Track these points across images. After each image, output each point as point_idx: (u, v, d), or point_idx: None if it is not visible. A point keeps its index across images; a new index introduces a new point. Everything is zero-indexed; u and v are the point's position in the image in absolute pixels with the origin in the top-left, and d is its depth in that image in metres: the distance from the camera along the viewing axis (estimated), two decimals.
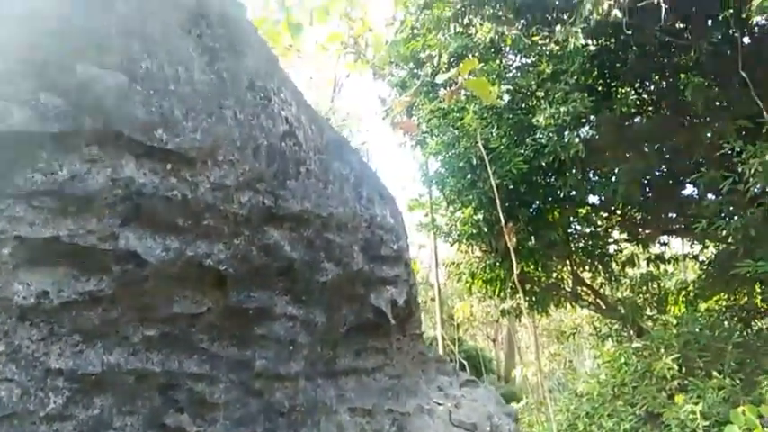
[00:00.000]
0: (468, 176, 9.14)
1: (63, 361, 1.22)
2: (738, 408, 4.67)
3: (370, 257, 2.18)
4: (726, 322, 8.25)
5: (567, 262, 10.40)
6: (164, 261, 1.35)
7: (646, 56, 8.75)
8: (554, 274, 10.38)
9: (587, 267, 10.70)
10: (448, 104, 7.87)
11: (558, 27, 7.68)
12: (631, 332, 9.69)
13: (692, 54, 8.52)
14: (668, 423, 6.22)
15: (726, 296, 9.48)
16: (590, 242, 10.72)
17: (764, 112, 7.63)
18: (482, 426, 2.47)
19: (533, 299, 10.08)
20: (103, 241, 1.25)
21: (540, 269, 10.16)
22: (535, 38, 8.79)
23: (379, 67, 7.13)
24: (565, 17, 8.11)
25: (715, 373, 6.58)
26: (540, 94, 8.78)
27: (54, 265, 1.20)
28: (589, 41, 8.56)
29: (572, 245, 10.58)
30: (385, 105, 10.57)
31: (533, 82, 8.83)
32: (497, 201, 7.05)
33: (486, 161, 7.28)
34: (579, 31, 7.43)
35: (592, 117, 9.23)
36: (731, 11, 7.84)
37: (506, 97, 8.79)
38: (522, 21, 8.87)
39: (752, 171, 6.89)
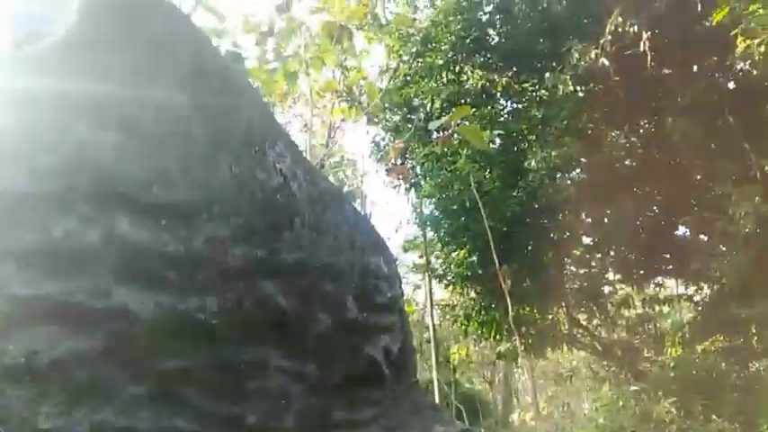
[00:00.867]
0: (462, 219, 9.20)
1: (51, 421, 1.20)
2: None
3: (364, 306, 2.17)
4: (723, 364, 8.20)
5: (563, 303, 10.38)
6: (155, 316, 1.35)
7: (633, 100, 8.96)
8: (549, 316, 10.34)
9: (583, 309, 10.67)
10: (441, 149, 7.98)
11: (548, 74, 7.89)
12: (629, 375, 9.58)
13: (679, 99, 8.74)
14: None
15: (722, 337, 9.44)
16: (585, 283, 10.72)
17: (752, 155, 7.78)
18: None
19: (529, 341, 10.00)
20: (96, 298, 1.25)
21: (535, 311, 10.12)
22: (525, 84, 9.02)
23: (374, 114, 7.25)
24: (554, 64, 8.36)
25: (714, 417, 6.50)
26: (532, 138, 8.94)
27: (45, 324, 1.20)
28: (578, 87, 8.79)
29: (567, 286, 10.57)
30: (379, 149, 10.71)
31: (524, 127, 9.01)
32: (491, 243, 7.08)
33: (480, 204, 7.34)
34: (568, 77, 7.64)
35: (583, 160, 9.37)
36: (715, 58, 8.09)
37: (498, 141, 8.93)
38: (511, 68, 9.12)
39: (742, 213, 6.98)
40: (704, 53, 8.38)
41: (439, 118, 8.09)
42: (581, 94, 8.88)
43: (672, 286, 12.57)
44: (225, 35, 4.87)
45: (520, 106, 9.62)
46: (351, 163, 13.02)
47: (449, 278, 10.26)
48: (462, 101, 9.05)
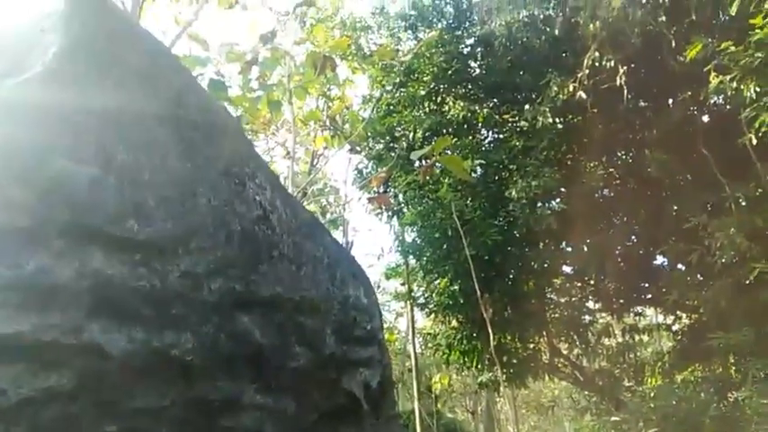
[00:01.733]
0: (444, 247, 9.24)
1: None
2: None
3: (342, 339, 2.15)
4: (702, 394, 8.22)
5: (544, 333, 10.39)
6: (128, 353, 1.33)
7: (611, 132, 9.17)
8: (531, 345, 10.34)
9: (564, 338, 10.69)
10: (423, 178, 8.05)
11: (527, 106, 8.05)
12: (610, 405, 9.57)
13: (655, 132, 8.96)
14: None
15: (701, 367, 9.51)
16: (565, 312, 10.76)
17: (726, 187, 7.96)
18: None
19: (511, 371, 9.97)
20: (67, 335, 1.23)
21: (516, 340, 10.12)
22: (506, 116, 9.19)
23: (357, 143, 7.31)
24: (533, 96, 8.54)
25: None
26: (513, 167, 9.06)
27: (14, 362, 1.17)
28: (557, 119, 8.97)
29: (548, 315, 10.60)
30: (362, 177, 10.75)
31: (505, 157, 9.15)
32: (473, 272, 7.10)
33: (462, 232, 7.38)
34: (547, 110, 7.81)
35: (562, 189, 9.50)
36: (689, 93, 8.32)
37: (480, 171, 9.04)
38: (492, 100, 9.30)
39: (718, 244, 7.11)
40: (679, 87, 8.63)
41: (421, 147, 8.18)
42: (560, 126, 9.07)
43: (651, 315, 12.68)
44: (209, 63, 4.91)
45: (501, 136, 9.78)
46: (333, 190, 13.04)
47: (430, 307, 10.24)
48: (444, 130, 9.17)
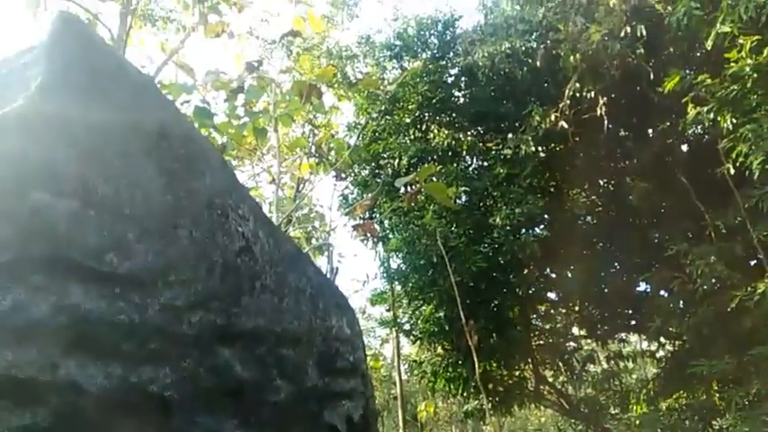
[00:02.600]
0: (430, 273, 9.24)
1: None
2: None
3: (324, 371, 2.13)
4: (687, 421, 8.23)
5: (529, 360, 10.37)
6: (105, 389, 1.30)
7: (593, 161, 9.32)
8: (516, 373, 10.30)
9: (549, 365, 10.67)
10: (408, 205, 8.08)
11: (511, 135, 8.18)
12: None
13: (635, 160, 9.13)
14: None
15: (685, 394, 9.52)
16: (551, 339, 10.76)
17: (706, 216, 8.09)
18: None
19: (497, 399, 9.91)
20: (43, 372, 1.21)
21: (502, 368, 10.08)
22: (489, 144, 9.31)
23: (342, 170, 7.35)
24: (516, 125, 8.68)
25: None
26: (497, 195, 9.15)
27: None
28: (540, 148, 9.11)
29: (533, 342, 10.59)
30: (348, 203, 10.77)
31: (489, 184, 9.24)
32: (458, 298, 7.09)
33: (446, 259, 7.39)
34: (530, 138, 7.94)
35: (546, 216, 9.59)
36: (668, 123, 8.51)
37: (464, 198, 9.11)
38: (476, 128, 9.43)
39: (699, 272, 7.19)
40: (658, 118, 8.82)
41: (407, 173, 8.22)
42: (543, 155, 9.20)
43: (636, 342, 12.72)
44: (194, 90, 4.93)
45: (485, 164, 9.89)
46: (319, 216, 13.01)
47: (416, 333, 10.18)
48: (429, 158, 9.26)
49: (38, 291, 1.22)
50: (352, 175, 10.38)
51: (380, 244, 10.67)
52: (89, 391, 1.28)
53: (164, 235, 1.52)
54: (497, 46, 9.05)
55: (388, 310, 12.86)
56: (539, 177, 9.26)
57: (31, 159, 1.30)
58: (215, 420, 1.60)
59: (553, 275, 10.45)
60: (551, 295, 10.42)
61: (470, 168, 10.38)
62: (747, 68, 7.31)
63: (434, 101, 9.82)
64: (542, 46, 9.18)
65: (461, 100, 10.22)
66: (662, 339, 9.86)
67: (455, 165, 9.92)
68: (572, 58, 8.56)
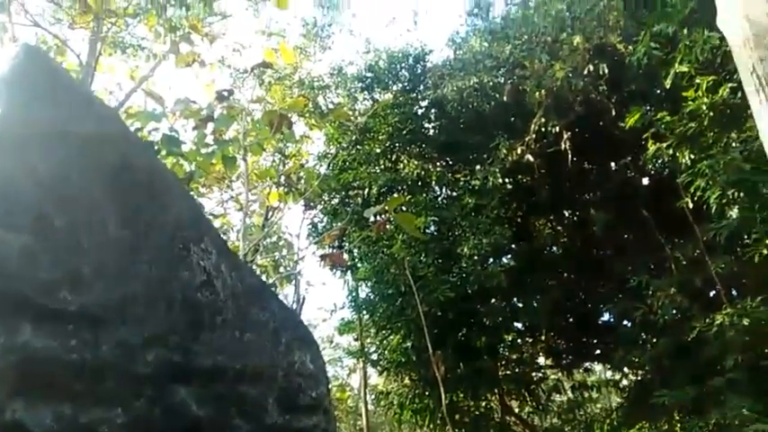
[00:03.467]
0: (398, 302, 9.22)
1: None
2: None
3: (285, 408, 2.10)
4: None
5: (496, 390, 10.36)
6: (53, 431, 1.26)
7: (558, 193, 9.53)
8: (483, 404, 10.27)
9: (515, 395, 10.67)
10: (377, 235, 8.10)
11: (478, 166, 8.33)
12: None
13: (599, 193, 9.37)
14: None
15: (648, 424, 9.62)
16: (517, 369, 10.79)
17: (666, 248, 8.32)
18: None
19: (463, 430, 9.83)
20: None
21: (469, 398, 10.05)
22: (458, 174, 9.45)
23: (311, 200, 7.34)
24: (484, 157, 8.86)
25: None
26: (465, 224, 9.24)
27: None
28: (507, 179, 9.29)
29: (500, 372, 10.60)
30: (317, 231, 10.72)
31: (458, 214, 9.34)
32: (425, 328, 7.08)
33: (414, 288, 7.39)
34: (497, 170, 8.10)
35: (513, 246, 9.71)
36: (630, 157, 8.79)
37: (433, 227, 9.18)
38: (445, 159, 9.58)
39: (659, 303, 7.36)
40: (620, 152, 9.10)
41: (376, 203, 8.27)
42: (509, 186, 9.38)
43: (600, 371, 12.85)
44: (163, 118, 4.89)
45: (453, 194, 10.02)
46: (287, 244, 12.92)
47: (383, 364, 10.10)
48: (399, 187, 9.33)
49: None
50: (322, 203, 10.38)
51: (349, 273, 10.62)
52: None
53: (121, 269, 1.49)
54: (466, 80, 9.28)
55: (356, 340, 12.76)
56: (506, 208, 9.42)
57: None
58: None
59: (520, 305, 10.54)
60: (518, 325, 10.49)
61: (439, 198, 10.49)
62: (704, 107, 7.63)
63: (404, 132, 9.96)
64: (509, 81, 9.45)
65: (431, 131, 10.40)
66: (625, 369, 9.99)
67: (424, 195, 10.02)
68: (537, 93, 8.82)
